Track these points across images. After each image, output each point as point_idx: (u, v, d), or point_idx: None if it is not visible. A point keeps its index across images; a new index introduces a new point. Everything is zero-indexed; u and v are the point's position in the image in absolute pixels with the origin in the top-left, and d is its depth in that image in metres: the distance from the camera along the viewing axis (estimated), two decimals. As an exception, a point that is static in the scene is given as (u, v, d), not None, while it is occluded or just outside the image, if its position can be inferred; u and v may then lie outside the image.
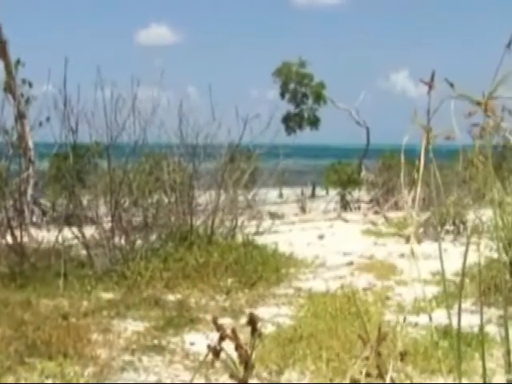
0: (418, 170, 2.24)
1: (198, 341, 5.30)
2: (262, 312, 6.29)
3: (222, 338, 1.75)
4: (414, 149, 2.19)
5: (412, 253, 2.56)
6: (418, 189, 2.11)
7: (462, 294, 5.92)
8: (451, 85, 2.05)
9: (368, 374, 1.98)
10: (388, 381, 1.84)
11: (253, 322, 1.61)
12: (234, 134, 9.50)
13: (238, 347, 1.68)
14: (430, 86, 2.17)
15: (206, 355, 1.71)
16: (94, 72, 8.35)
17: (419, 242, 9.17)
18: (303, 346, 5.04)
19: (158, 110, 8.66)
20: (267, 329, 5.69)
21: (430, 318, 5.53)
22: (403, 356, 1.98)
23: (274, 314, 6.22)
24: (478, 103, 2.03)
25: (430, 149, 2.13)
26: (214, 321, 1.75)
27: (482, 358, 2.43)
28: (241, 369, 1.66)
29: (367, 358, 1.97)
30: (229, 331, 1.73)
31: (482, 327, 2.10)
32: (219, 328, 1.73)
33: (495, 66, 1.97)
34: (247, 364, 1.60)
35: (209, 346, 1.76)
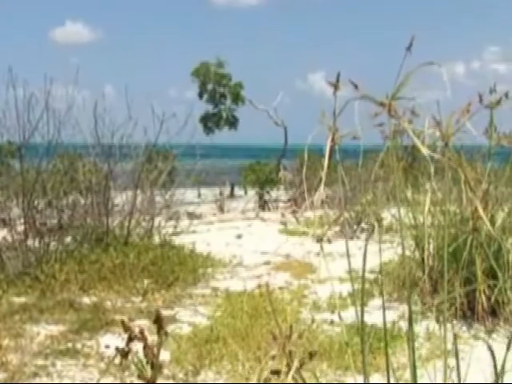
0: (333, 170, 2.29)
1: (114, 343, 5.22)
2: (178, 313, 6.28)
3: (130, 339, 1.75)
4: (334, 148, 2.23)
5: (322, 252, 2.61)
6: (322, 188, 2.16)
7: (379, 290, 6.04)
8: (355, 86, 2.11)
9: (276, 372, 2.01)
10: (290, 379, 1.87)
11: (159, 321, 1.61)
12: (150, 134, 9.44)
13: (145, 347, 1.68)
14: (336, 87, 2.22)
15: (114, 357, 1.70)
16: (5, 71, 8.12)
17: (329, 241, 9.28)
18: (220, 346, 5.05)
19: (73, 109, 8.51)
20: (184, 329, 5.69)
21: (340, 317, 5.67)
22: (312, 355, 2.01)
23: (191, 315, 6.21)
24: (382, 104, 2.08)
25: (337, 149, 2.18)
26: (123, 322, 1.75)
27: (386, 354, 2.49)
28: (148, 369, 1.66)
29: (274, 357, 1.99)
30: (137, 332, 1.73)
31: (384, 323, 2.16)
32: (127, 329, 1.72)
33: (406, 66, 2.04)
34: (154, 364, 1.60)
35: (117, 348, 1.75)
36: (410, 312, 2.00)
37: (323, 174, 2.02)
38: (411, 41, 2.09)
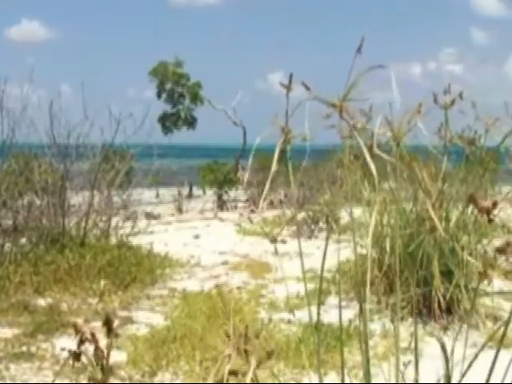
0: (289, 170, 2.30)
1: (69, 346, 5.16)
2: (135, 314, 6.24)
3: (81, 342, 1.73)
4: (294, 149, 2.24)
5: (276, 252, 2.62)
6: (267, 187, 2.16)
7: (335, 289, 6.07)
8: (307, 88, 2.11)
9: (233, 373, 2.01)
10: (248, 380, 1.87)
11: (108, 323, 1.59)
12: (107, 134, 9.36)
13: (96, 349, 1.66)
14: (288, 88, 2.23)
15: (67, 359, 1.69)
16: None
17: (283, 241, 9.39)
18: (177, 347, 5.03)
19: (29, 108, 8.39)
20: (141, 330, 5.65)
21: (293, 315, 5.71)
22: (270, 354, 2.02)
23: (148, 316, 6.17)
24: (334, 105, 2.10)
25: (289, 149, 2.19)
26: (74, 325, 1.73)
27: (341, 352, 2.51)
28: (98, 371, 1.65)
29: (229, 357, 1.99)
30: (88, 334, 1.71)
31: (340, 322, 2.18)
32: (78, 331, 1.71)
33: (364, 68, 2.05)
34: (104, 365, 1.59)
35: (69, 350, 1.74)
36: (363, 310, 2.02)
37: (271, 175, 2.02)
38: (361, 42, 2.11)
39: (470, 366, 1.75)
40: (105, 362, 1.59)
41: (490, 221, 1.05)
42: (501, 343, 1.54)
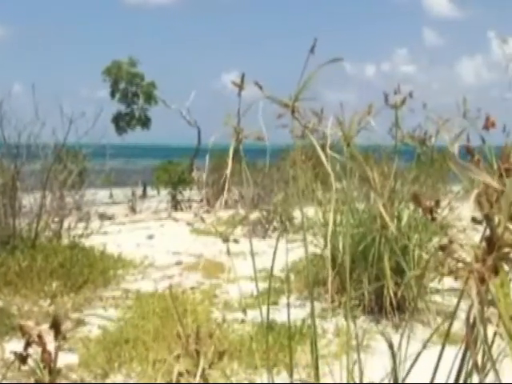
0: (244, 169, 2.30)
1: (20, 349, 5.09)
2: (88, 315, 6.18)
3: (28, 344, 1.71)
4: (247, 149, 2.24)
5: (228, 252, 2.62)
6: (226, 186, 2.16)
7: (286, 289, 6.09)
8: (260, 87, 2.12)
9: (185, 373, 2.00)
10: (198, 379, 1.87)
11: (56, 325, 1.58)
12: (59, 134, 9.25)
13: (43, 352, 1.64)
14: (240, 87, 2.23)
15: (13, 361, 1.66)
16: None
17: (236, 241, 9.34)
18: (129, 348, 4.99)
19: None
20: (93, 332, 5.59)
21: (245, 315, 5.71)
22: (222, 354, 2.02)
23: (101, 317, 6.11)
24: (286, 105, 2.10)
25: (242, 148, 2.19)
26: (20, 327, 1.70)
27: (289, 352, 2.52)
28: (46, 373, 1.63)
29: (178, 357, 1.99)
30: (35, 337, 1.69)
31: (289, 321, 2.18)
32: (24, 333, 1.68)
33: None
34: (51, 368, 1.57)
35: (15, 353, 1.71)
36: (312, 309, 2.03)
37: (226, 174, 2.02)
38: (314, 43, 2.12)
39: (414, 362, 1.77)
40: (52, 364, 1.56)
41: (434, 219, 1.06)
42: (446, 339, 1.56)
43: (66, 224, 9.08)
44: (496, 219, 1.03)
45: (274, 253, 2.13)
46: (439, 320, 5.73)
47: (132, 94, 26.90)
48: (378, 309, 5.83)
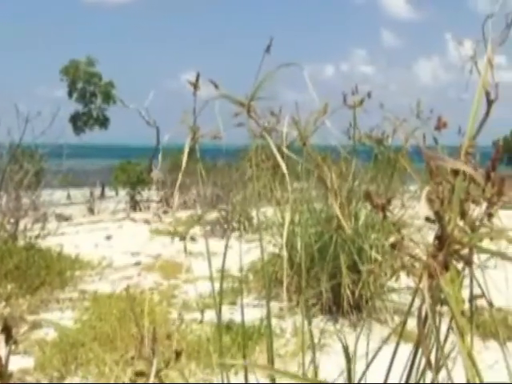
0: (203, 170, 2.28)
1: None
2: (44, 318, 6.10)
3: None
4: (208, 148, 2.22)
5: (185, 251, 2.60)
6: (177, 186, 2.15)
7: (248, 288, 6.08)
8: (216, 86, 2.11)
9: (141, 374, 1.98)
10: (152, 380, 1.85)
11: (7, 329, 1.54)
12: (15, 134, 9.13)
13: (-7, 356, 1.61)
14: (195, 86, 2.22)
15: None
16: None
17: (193, 239, 9.41)
18: (86, 350, 4.93)
19: None
20: (49, 335, 5.52)
21: (202, 316, 5.71)
22: (178, 355, 2.00)
23: (58, 319, 6.03)
24: (241, 104, 2.10)
25: (198, 148, 2.17)
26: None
27: (243, 351, 2.51)
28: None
29: (133, 358, 1.97)
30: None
31: (243, 320, 2.18)
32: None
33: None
34: (1, 372, 1.54)
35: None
36: (268, 309, 2.02)
37: (180, 174, 2.01)
38: (269, 43, 2.12)
39: (372, 360, 1.78)
40: (3, 368, 1.53)
41: (385, 217, 1.07)
42: (400, 337, 1.57)
43: (22, 225, 8.95)
44: (447, 217, 1.04)
45: (225, 253, 2.12)
46: (396, 318, 5.79)
47: (90, 93, 26.66)
48: (335, 308, 5.86)
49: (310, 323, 2.05)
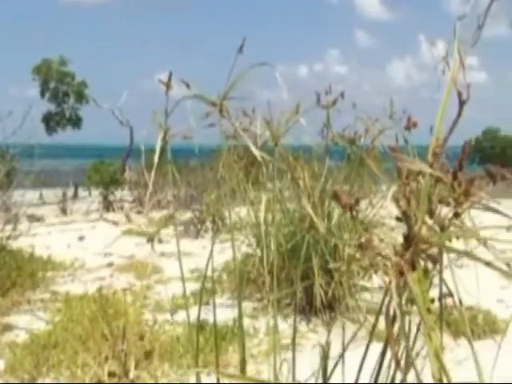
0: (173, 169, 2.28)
1: None
2: (15, 319, 6.04)
3: None
4: (182, 148, 2.22)
5: (153, 251, 2.59)
6: (150, 186, 2.14)
7: (221, 289, 6.07)
8: (188, 86, 2.10)
9: (113, 374, 1.98)
10: (124, 379, 1.85)
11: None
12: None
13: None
14: (167, 86, 2.21)
15: None
16: None
17: (160, 241, 9.38)
18: (58, 352, 4.89)
19: None
20: (21, 337, 5.47)
21: (172, 316, 5.69)
22: (148, 355, 2.00)
23: (29, 321, 5.98)
24: (213, 104, 2.09)
25: (169, 147, 2.17)
26: None
27: (216, 351, 2.51)
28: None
29: (106, 358, 1.96)
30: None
31: (215, 321, 2.18)
32: None
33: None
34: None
35: None
36: (240, 308, 2.02)
37: (152, 174, 2.00)
38: (242, 43, 2.12)
39: (338, 360, 1.79)
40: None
41: (353, 217, 1.07)
42: (371, 336, 1.58)
43: (-8, 226, 8.85)
44: (414, 216, 1.05)
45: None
46: (369, 318, 5.82)
47: (62, 93, 26.42)
48: (308, 308, 5.88)
49: (276, 323, 2.05)
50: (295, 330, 2.29)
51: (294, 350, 1.99)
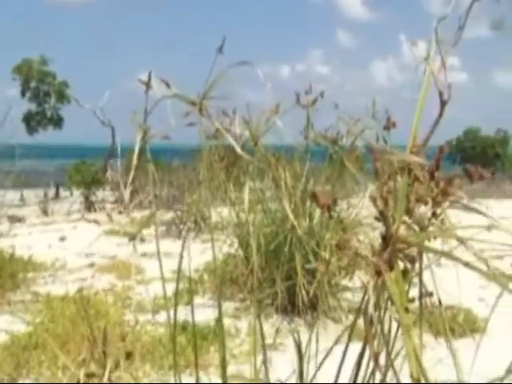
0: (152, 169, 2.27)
1: None
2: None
3: None
4: (166, 149, 2.21)
5: (135, 251, 2.58)
6: (129, 184, 2.13)
7: (203, 289, 6.06)
8: (167, 85, 2.10)
9: (92, 375, 1.97)
10: (105, 380, 1.84)
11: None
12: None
13: None
14: (147, 85, 2.21)
15: None
16: None
17: (142, 240, 9.35)
18: (38, 353, 4.86)
19: None
20: (0, 338, 5.42)
21: (153, 316, 5.68)
22: (128, 355, 1.99)
23: (9, 322, 5.93)
24: (193, 103, 2.09)
25: (149, 148, 2.16)
26: None
27: (195, 352, 2.51)
28: None
29: (84, 360, 1.95)
30: None
31: (193, 322, 2.17)
32: None
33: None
34: None
35: None
36: (220, 309, 2.02)
37: (131, 174, 2.00)
38: (222, 43, 2.12)
39: (324, 359, 1.79)
40: None
41: (331, 217, 1.07)
42: (351, 335, 1.58)
43: (-28, 226, 8.81)
44: (391, 216, 1.05)
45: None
46: (351, 317, 5.83)
47: (43, 92, 26.25)
48: (291, 307, 5.88)
49: (260, 323, 2.05)
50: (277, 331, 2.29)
51: (265, 350, 1.99)
